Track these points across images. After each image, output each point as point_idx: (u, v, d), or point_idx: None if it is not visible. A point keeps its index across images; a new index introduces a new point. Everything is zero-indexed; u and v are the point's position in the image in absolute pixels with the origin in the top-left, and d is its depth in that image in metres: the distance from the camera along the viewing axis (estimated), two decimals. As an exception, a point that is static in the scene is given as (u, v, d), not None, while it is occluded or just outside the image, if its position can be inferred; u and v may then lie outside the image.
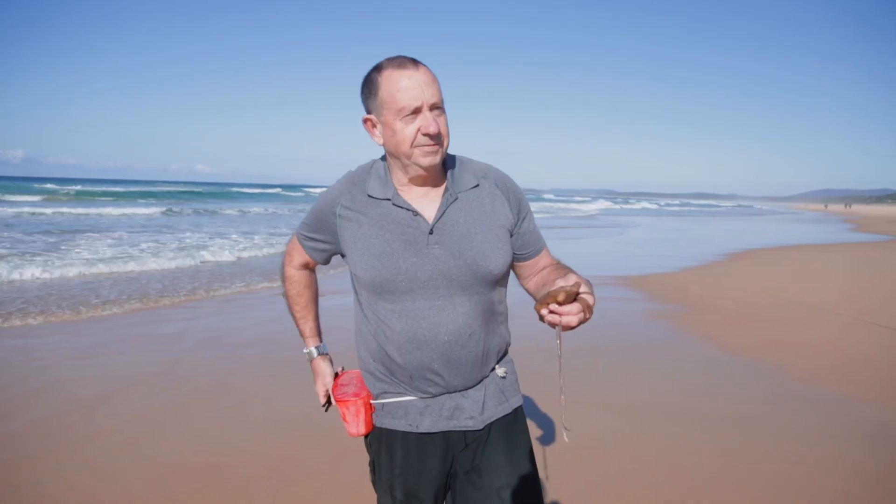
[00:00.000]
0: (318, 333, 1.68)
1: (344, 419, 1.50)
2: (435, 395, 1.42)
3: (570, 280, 1.14)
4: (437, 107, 1.30)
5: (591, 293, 1.17)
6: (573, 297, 1.12)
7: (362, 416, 1.48)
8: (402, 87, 1.27)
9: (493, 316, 1.43)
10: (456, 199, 1.39)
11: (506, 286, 1.50)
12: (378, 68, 1.32)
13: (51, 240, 12.69)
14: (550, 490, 2.75)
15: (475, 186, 1.41)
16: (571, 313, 1.11)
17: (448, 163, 1.43)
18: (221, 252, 10.91)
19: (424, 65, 1.32)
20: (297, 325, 1.68)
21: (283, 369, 4.44)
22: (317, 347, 1.65)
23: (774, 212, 56.02)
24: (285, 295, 1.66)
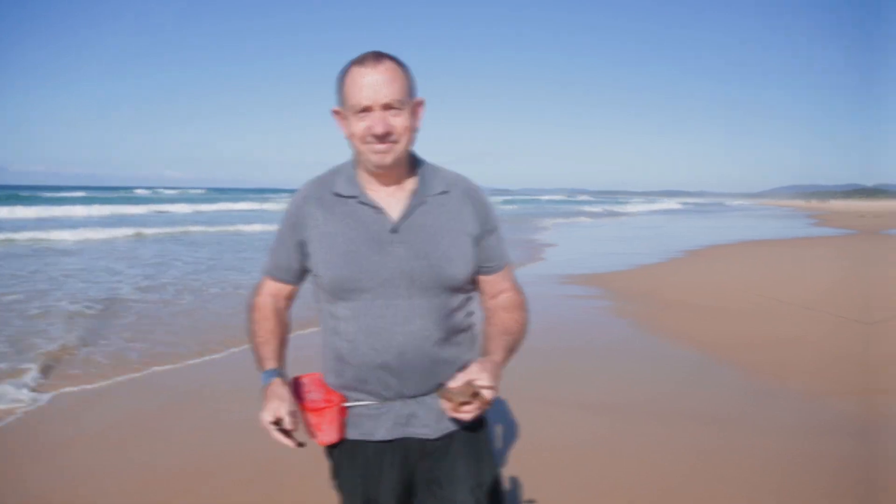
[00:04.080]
0: (281, 359, 1.43)
1: (317, 428, 1.38)
2: (387, 399, 1.40)
3: (480, 376, 1.25)
4: (391, 107, 1.29)
5: (492, 382, 1.26)
6: (472, 396, 1.24)
7: (336, 424, 1.40)
8: (357, 84, 1.29)
9: (453, 325, 1.41)
10: (424, 202, 1.39)
11: (471, 301, 1.48)
12: (348, 64, 1.34)
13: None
14: (526, 491, 2.76)
15: (444, 192, 1.42)
16: (468, 413, 1.24)
17: (419, 167, 1.44)
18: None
19: (392, 60, 1.32)
20: (257, 351, 1.43)
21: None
22: (277, 370, 1.38)
23: (756, 209, 56.63)
24: (249, 325, 1.48)
